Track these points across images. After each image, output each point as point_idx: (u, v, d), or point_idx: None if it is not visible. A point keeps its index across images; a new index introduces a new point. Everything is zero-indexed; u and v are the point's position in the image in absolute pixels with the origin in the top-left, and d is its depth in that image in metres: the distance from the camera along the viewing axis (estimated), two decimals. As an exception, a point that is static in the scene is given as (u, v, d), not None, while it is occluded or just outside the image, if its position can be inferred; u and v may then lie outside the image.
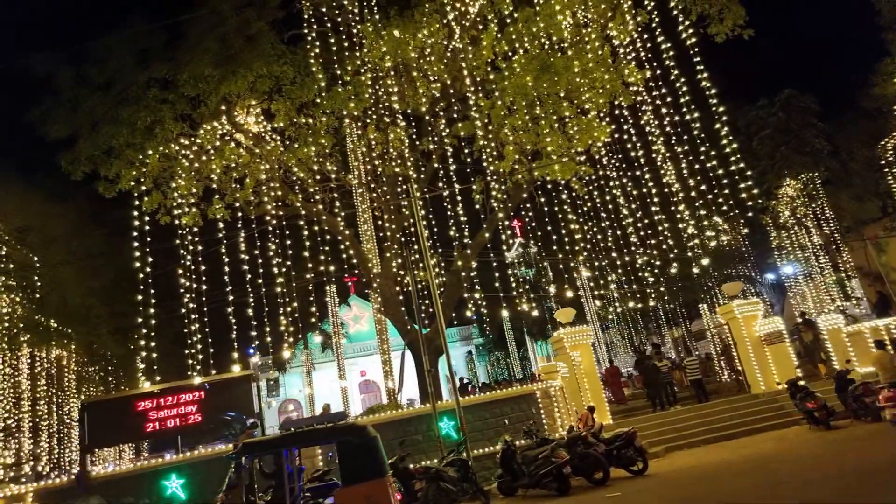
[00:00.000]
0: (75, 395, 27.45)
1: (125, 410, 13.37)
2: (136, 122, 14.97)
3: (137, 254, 15.15)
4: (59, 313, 24.09)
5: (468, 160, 17.54)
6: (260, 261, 16.57)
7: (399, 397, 17.75)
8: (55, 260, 23.95)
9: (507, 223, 20.02)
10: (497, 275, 19.48)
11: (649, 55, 16.47)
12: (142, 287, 14.97)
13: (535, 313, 22.35)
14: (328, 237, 17.44)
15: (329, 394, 43.46)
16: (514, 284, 21.06)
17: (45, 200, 23.63)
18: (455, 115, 17.31)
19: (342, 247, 17.56)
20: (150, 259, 15.20)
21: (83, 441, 13.19)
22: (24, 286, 23.58)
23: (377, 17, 16.65)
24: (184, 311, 15.39)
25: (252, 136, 16.88)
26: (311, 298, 23.97)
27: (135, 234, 15.29)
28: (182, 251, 15.64)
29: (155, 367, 14.39)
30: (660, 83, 16.57)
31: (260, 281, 16.34)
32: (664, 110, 16.65)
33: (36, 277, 24.07)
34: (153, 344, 14.86)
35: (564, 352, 17.77)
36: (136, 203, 15.68)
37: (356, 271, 18.62)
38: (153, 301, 15.26)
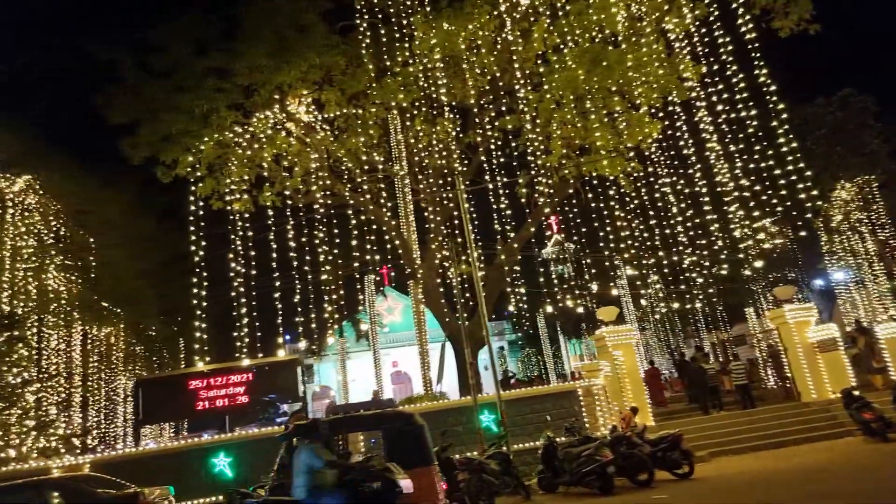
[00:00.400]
0: (123, 373, 28.43)
1: (177, 389, 13.80)
2: (193, 109, 15.34)
3: (193, 238, 15.54)
4: (111, 293, 24.96)
5: (514, 153, 17.42)
6: (306, 248, 16.82)
7: (437, 388, 17.81)
8: (109, 242, 24.78)
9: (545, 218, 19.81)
10: (538, 270, 19.38)
11: (706, 49, 16.03)
12: (196, 270, 15.35)
13: (579, 310, 22.08)
14: (374, 227, 17.59)
15: (362, 383, 43.93)
16: (553, 280, 20.93)
17: (100, 185, 24.48)
18: (503, 108, 17.19)
19: (386, 237, 17.66)
20: (203, 243, 15.54)
21: (137, 416, 13.64)
22: (80, 266, 24.52)
23: (428, 8, 16.64)
24: (233, 294, 15.73)
25: (303, 125, 17.11)
26: (357, 286, 24.29)
27: (190, 218, 15.68)
28: (233, 236, 15.98)
29: (205, 349, 14.74)
30: (716, 78, 16.13)
31: (306, 268, 16.57)
32: (719, 107, 16.22)
33: (91, 258, 25.00)
34: (203, 325, 15.23)
35: (606, 350, 17.54)
36: (190, 188, 16.07)
37: (391, 262, 18.65)
38: (205, 284, 15.65)
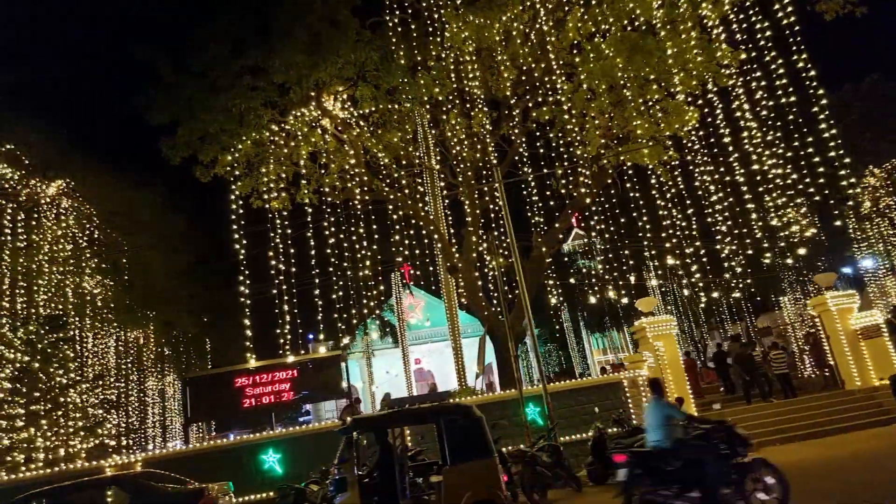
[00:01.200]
0: (152, 374, 28.74)
1: (224, 386, 13.88)
2: (230, 108, 15.39)
3: (235, 236, 15.63)
4: (144, 294, 25.20)
5: (548, 145, 17.31)
6: (344, 245, 16.84)
7: (477, 383, 17.77)
8: (141, 243, 25.04)
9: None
10: (564, 265, 19.23)
11: (744, 35, 15.80)
12: (240, 268, 15.44)
13: (623, 301, 21.88)
14: (411, 223, 17.58)
15: (388, 379, 44.03)
16: (579, 275, 20.70)
17: (132, 187, 24.73)
18: (538, 100, 17.08)
19: (423, 232, 17.64)
20: (244, 241, 15.62)
21: (186, 414, 13.74)
22: (114, 269, 24.77)
23: (458, 0, 16.55)
24: (272, 291, 15.80)
25: (339, 121, 17.11)
26: (381, 284, 24.28)
27: (232, 217, 15.76)
28: (272, 234, 16.05)
29: (250, 346, 14.83)
30: (753, 65, 15.90)
31: (344, 265, 16.60)
32: (757, 94, 15.99)
33: (124, 260, 25.26)
34: (248, 323, 15.30)
35: (647, 341, 17.40)
36: (229, 187, 16.15)
37: (427, 257, 18.60)
38: (247, 282, 15.70)
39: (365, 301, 18.74)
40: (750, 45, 16.00)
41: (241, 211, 16.00)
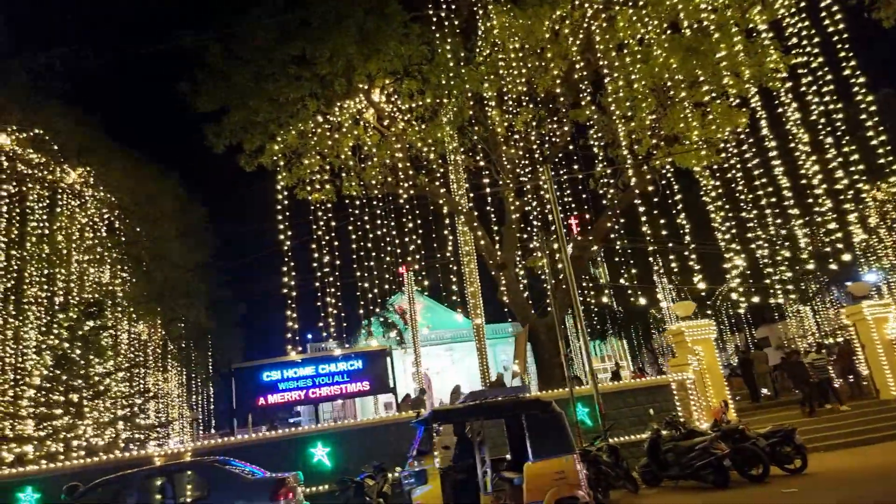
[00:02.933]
0: (177, 366, 28.41)
1: (269, 378, 13.64)
2: (278, 97, 15.20)
3: (281, 227, 15.42)
4: (163, 287, 24.90)
5: (592, 144, 17.23)
6: (365, 242, 16.67)
7: (518, 380, 17.60)
8: (163, 234, 24.73)
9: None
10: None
11: (794, 40, 15.79)
12: (285, 260, 15.23)
13: (659, 305, 21.77)
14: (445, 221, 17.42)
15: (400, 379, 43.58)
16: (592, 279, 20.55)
17: (156, 176, 24.47)
18: (587, 99, 16.99)
19: (464, 229, 17.48)
20: (288, 233, 15.42)
21: (233, 404, 13.50)
22: (135, 259, 24.44)
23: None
24: (317, 283, 15.60)
25: (386, 114, 16.96)
26: (406, 282, 24.06)
27: (277, 208, 15.55)
28: (314, 227, 15.86)
29: (293, 337, 14.61)
30: (804, 70, 15.89)
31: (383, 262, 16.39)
32: (806, 98, 15.98)
33: (143, 250, 24.94)
34: (294, 315, 15.07)
35: (685, 345, 17.30)
36: (275, 178, 15.95)
37: (468, 253, 18.41)
38: (292, 272, 15.49)
39: (384, 299, 18.57)
40: (800, 50, 16.00)
41: (285, 202, 15.78)
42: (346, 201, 17.36)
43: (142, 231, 24.64)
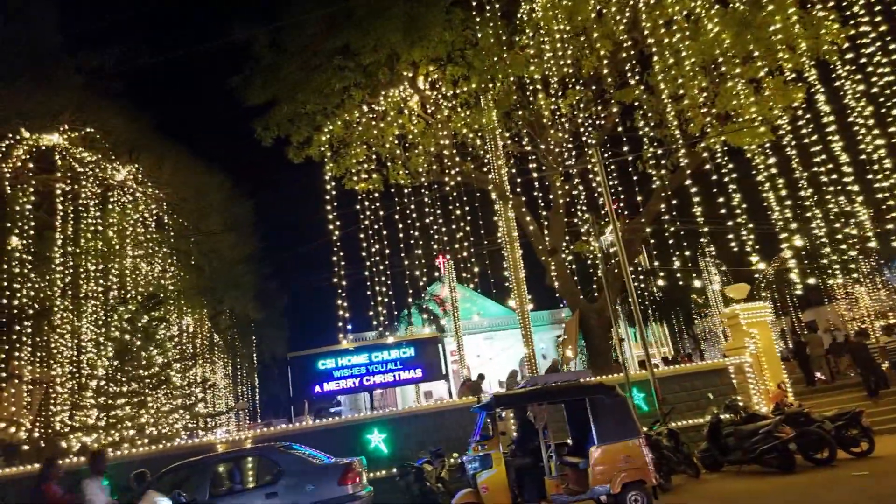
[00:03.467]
0: (223, 358, 29.11)
1: (326, 366, 13.83)
2: (324, 88, 15.29)
3: (330, 217, 15.58)
4: (212, 279, 25.45)
5: (640, 124, 16.86)
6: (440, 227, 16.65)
7: (571, 366, 17.46)
8: (211, 229, 25.23)
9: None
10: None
11: (855, 9, 15.11)
12: (334, 250, 15.40)
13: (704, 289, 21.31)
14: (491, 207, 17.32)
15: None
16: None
17: (204, 171, 24.96)
18: (636, 79, 16.61)
19: (508, 215, 17.35)
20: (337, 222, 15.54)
21: (290, 393, 13.75)
22: (182, 253, 25.01)
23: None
24: (367, 273, 15.73)
25: (431, 101, 16.91)
26: (445, 270, 23.97)
27: (326, 198, 15.70)
28: (361, 216, 15.97)
29: (343, 326, 14.78)
30: (864, 40, 15.20)
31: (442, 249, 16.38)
32: (867, 70, 15.29)
33: (192, 245, 25.48)
34: (345, 304, 15.23)
35: (739, 328, 16.90)
36: (324, 169, 16.08)
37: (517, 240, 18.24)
38: (342, 262, 15.66)
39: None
40: (857, 20, 15.31)
41: (332, 192, 15.91)
42: (392, 190, 17.42)
43: (190, 225, 25.18)
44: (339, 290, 15.03)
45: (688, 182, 16.84)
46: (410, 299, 30.54)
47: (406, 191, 17.20)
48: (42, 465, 9.52)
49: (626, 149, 15.52)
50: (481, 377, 15.52)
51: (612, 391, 9.06)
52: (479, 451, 8.82)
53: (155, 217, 23.21)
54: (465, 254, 19.91)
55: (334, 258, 15.71)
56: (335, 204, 16.33)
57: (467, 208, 18.22)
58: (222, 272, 25.83)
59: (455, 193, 17.53)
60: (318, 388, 13.90)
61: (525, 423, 9.62)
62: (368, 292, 17.20)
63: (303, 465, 8.68)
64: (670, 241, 17.24)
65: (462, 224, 18.00)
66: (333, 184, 16.10)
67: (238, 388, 32.21)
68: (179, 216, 24.93)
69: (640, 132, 17.17)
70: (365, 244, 16.51)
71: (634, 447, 8.84)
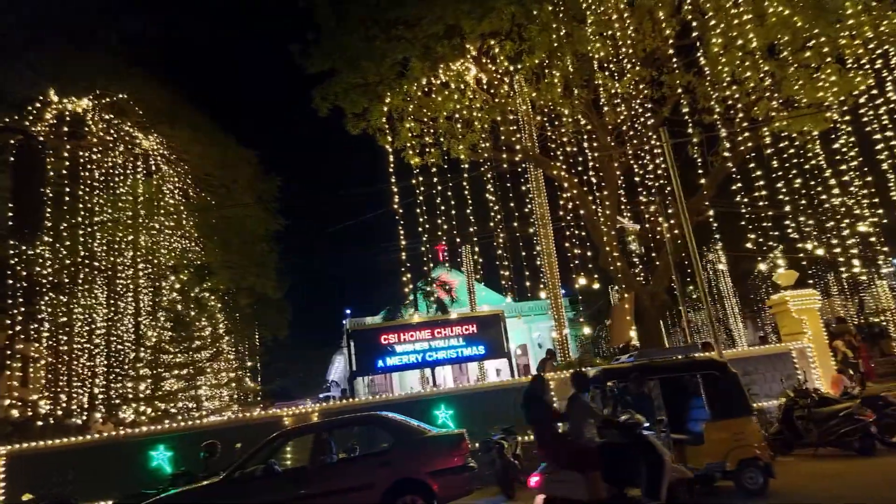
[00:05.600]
0: (242, 335, 28.71)
1: (388, 341, 13.60)
2: (385, 59, 14.93)
3: (396, 193, 15.25)
4: (240, 255, 24.96)
5: (698, 107, 16.73)
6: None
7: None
8: (237, 202, 24.71)
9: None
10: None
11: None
12: (399, 225, 15.10)
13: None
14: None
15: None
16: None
17: (232, 146, 24.43)
18: (696, 60, 16.45)
19: (566, 195, 17.17)
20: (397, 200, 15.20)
21: (351, 368, 13.50)
22: (210, 226, 24.49)
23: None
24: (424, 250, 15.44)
25: (492, 77, 16.61)
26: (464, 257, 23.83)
27: (391, 170, 15.39)
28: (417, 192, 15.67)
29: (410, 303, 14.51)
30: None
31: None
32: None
33: (214, 221, 24.94)
34: (405, 279, 14.95)
35: (787, 315, 16.93)
36: (381, 141, 15.73)
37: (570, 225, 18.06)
38: (401, 243, 15.38)
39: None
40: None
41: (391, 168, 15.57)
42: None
43: (215, 199, 24.67)
44: (402, 268, 14.74)
45: (735, 168, 16.80)
46: (419, 283, 30.22)
47: (443, 169, 16.87)
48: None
49: (689, 131, 15.36)
50: (552, 353, 15.40)
51: (724, 367, 8.95)
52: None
53: (186, 188, 22.73)
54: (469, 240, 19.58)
55: (400, 236, 15.36)
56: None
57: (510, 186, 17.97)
58: (248, 248, 25.36)
59: (490, 175, 17.32)
60: (381, 363, 13.67)
61: (641, 396, 9.46)
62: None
63: (415, 434, 8.48)
64: (717, 226, 17.21)
65: (495, 207, 17.82)
66: (392, 157, 15.76)
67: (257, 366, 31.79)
68: (208, 189, 24.43)
69: (693, 117, 17.05)
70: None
71: (748, 424, 8.76)
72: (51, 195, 17.37)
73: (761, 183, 15.78)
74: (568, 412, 7.36)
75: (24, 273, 17.80)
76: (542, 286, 20.35)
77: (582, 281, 16.46)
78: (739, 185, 16.17)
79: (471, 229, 18.40)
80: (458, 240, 24.35)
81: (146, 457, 11.98)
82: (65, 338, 18.24)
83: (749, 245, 15.88)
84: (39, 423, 19.00)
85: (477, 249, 21.63)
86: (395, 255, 17.64)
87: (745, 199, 17.19)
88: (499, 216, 18.19)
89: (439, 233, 18.08)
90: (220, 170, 24.50)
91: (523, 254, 19.54)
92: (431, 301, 45.25)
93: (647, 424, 7.23)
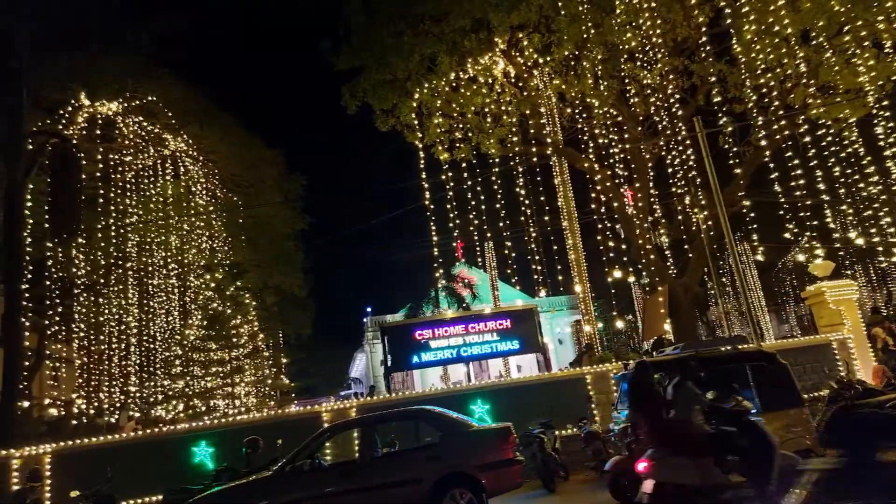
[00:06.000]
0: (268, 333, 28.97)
1: (421, 336, 13.60)
2: (413, 54, 14.91)
3: (426, 186, 15.27)
4: (266, 254, 25.17)
5: (729, 96, 16.46)
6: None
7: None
8: (263, 201, 24.89)
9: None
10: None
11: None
12: (429, 216, 15.08)
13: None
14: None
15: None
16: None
17: (259, 146, 24.60)
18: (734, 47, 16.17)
19: (599, 187, 17.00)
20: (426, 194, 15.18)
21: (385, 363, 13.51)
22: (237, 226, 24.70)
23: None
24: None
25: (520, 70, 16.50)
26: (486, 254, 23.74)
27: (421, 166, 15.38)
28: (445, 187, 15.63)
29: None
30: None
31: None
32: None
33: (240, 220, 25.15)
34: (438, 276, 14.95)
35: (825, 307, 16.61)
36: (409, 137, 15.73)
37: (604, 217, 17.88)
38: (422, 240, 15.36)
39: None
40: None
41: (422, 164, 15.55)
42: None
43: (241, 199, 24.87)
44: (438, 261, 14.71)
45: (770, 157, 16.50)
46: (442, 281, 30.21)
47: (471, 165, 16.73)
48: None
49: (721, 121, 15.13)
50: (589, 347, 15.30)
51: (774, 359, 8.80)
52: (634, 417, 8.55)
53: (214, 188, 22.93)
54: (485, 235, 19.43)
55: (433, 229, 15.32)
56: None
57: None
58: (275, 247, 25.56)
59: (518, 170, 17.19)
60: (415, 359, 13.66)
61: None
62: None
63: (462, 428, 8.44)
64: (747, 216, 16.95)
65: (520, 203, 17.73)
66: (422, 154, 15.72)
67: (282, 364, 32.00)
68: (236, 189, 24.63)
69: (724, 107, 16.78)
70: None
71: (799, 415, 8.60)
72: (83, 197, 17.63)
73: (798, 172, 15.45)
74: (674, 398, 7.35)
75: (60, 275, 18.10)
76: (572, 280, 20.21)
77: (617, 274, 16.25)
78: (776, 174, 15.88)
79: (500, 224, 18.37)
80: (481, 236, 24.35)
81: (188, 453, 12.09)
82: (99, 337, 18.53)
83: (787, 235, 15.55)
84: (74, 422, 19.37)
85: (492, 245, 21.65)
86: (415, 252, 17.70)
87: (779, 190, 16.92)
88: (525, 212, 18.14)
89: (456, 232, 18.08)
90: (247, 170, 24.69)
91: (539, 249, 19.45)
92: (453, 298, 45.15)
93: (754, 410, 7.19)
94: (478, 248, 23.75)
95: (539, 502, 9.89)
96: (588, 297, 21.33)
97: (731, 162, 17.46)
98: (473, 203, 17.27)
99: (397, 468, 8.05)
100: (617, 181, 16.72)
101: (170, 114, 20.66)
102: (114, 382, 18.43)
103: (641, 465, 6.89)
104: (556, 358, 45.41)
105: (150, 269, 18.86)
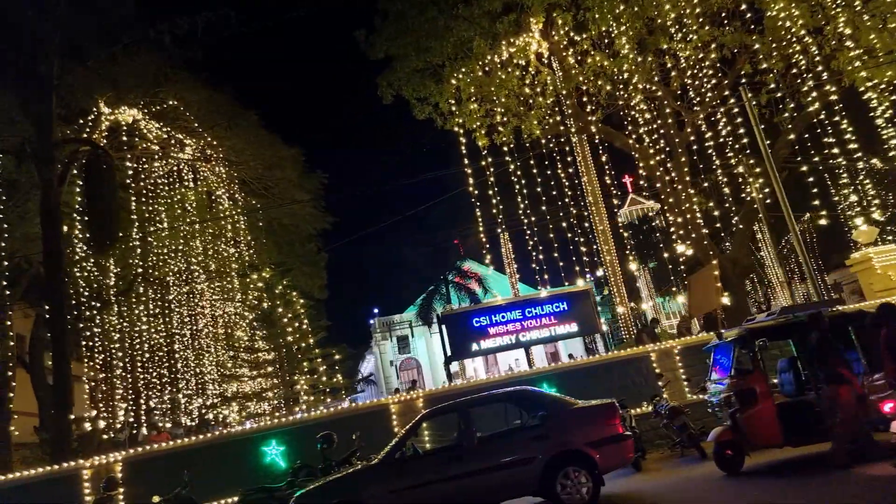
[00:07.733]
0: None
1: (479, 324, 13.42)
2: (448, 39, 14.71)
3: (471, 177, 15.09)
4: (289, 255, 24.87)
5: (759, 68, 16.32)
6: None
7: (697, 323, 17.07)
8: (284, 201, 24.58)
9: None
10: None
11: None
12: (477, 204, 14.89)
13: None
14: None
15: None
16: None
17: (278, 146, 24.30)
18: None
19: (641, 164, 16.84)
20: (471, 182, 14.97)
21: (445, 352, 13.32)
22: (256, 228, 24.39)
23: None
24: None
25: (558, 50, 16.30)
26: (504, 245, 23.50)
27: (463, 151, 15.17)
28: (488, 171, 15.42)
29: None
30: None
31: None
32: None
33: (259, 223, 24.83)
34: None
35: (873, 273, 16.51)
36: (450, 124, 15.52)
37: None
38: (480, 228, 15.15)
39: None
40: None
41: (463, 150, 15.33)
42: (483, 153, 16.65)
43: (265, 201, 24.57)
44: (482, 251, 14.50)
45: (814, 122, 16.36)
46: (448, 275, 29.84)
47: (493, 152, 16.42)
48: None
49: (770, 87, 14.97)
50: (656, 321, 15.14)
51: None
52: (737, 386, 8.38)
53: (236, 190, 22.63)
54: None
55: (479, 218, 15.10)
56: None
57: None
58: (296, 249, 25.29)
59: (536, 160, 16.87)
60: (475, 347, 13.48)
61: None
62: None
63: (567, 406, 8.26)
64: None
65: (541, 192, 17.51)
66: (464, 140, 15.49)
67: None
68: (259, 190, 24.31)
69: (761, 77, 16.65)
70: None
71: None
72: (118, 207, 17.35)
73: (842, 138, 15.31)
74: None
75: (94, 285, 17.83)
76: (599, 264, 20.04)
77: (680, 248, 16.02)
78: (816, 141, 15.76)
79: (523, 216, 18.13)
80: (500, 226, 24.16)
81: (258, 453, 11.89)
82: (137, 344, 18.29)
83: (836, 199, 15.42)
84: (105, 436, 19.10)
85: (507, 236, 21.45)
86: (421, 249, 17.52)
87: (817, 159, 16.79)
88: (555, 197, 17.95)
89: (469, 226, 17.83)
90: (269, 170, 24.40)
91: (573, 235, 19.24)
92: (463, 293, 45.02)
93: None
94: (486, 244, 23.37)
95: (634, 480, 9.68)
96: (619, 278, 21.21)
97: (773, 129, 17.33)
98: (489, 195, 17.01)
99: (506, 449, 7.85)
100: (658, 159, 16.55)
101: (192, 116, 20.35)
102: (130, 395, 18.14)
103: (888, 406, 7.28)
104: (565, 348, 45.17)
105: (186, 274, 18.62)
